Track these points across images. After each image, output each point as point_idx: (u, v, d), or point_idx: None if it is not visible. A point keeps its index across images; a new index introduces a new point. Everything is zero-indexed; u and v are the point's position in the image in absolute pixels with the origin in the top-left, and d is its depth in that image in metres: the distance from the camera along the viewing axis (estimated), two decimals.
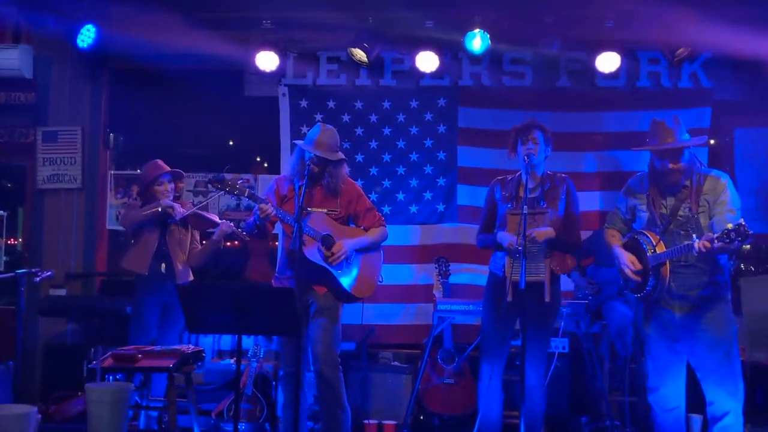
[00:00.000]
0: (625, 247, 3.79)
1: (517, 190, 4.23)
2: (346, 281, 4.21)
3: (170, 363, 3.74)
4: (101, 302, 5.67)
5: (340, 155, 4.26)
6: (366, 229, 4.36)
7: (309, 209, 4.18)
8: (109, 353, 3.90)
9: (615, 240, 3.87)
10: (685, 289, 3.63)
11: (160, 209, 4.75)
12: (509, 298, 4.01)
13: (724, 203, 3.57)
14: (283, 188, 4.30)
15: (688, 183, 3.67)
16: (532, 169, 4.19)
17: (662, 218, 3.69)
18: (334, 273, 4.17)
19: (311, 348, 4.17)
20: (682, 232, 3.57)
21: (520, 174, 4.27)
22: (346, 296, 4.26)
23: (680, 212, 3.64)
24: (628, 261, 3.70)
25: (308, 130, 5.98)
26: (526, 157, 4.13)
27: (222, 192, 4.13)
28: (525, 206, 3.95)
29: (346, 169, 4.32)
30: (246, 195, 4.06)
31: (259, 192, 6.25)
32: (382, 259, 4.46)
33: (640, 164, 5.85)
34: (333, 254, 4.13)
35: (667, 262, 3.59)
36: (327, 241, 4.18)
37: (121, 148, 6.56)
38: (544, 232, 4.05)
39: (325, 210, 4.24)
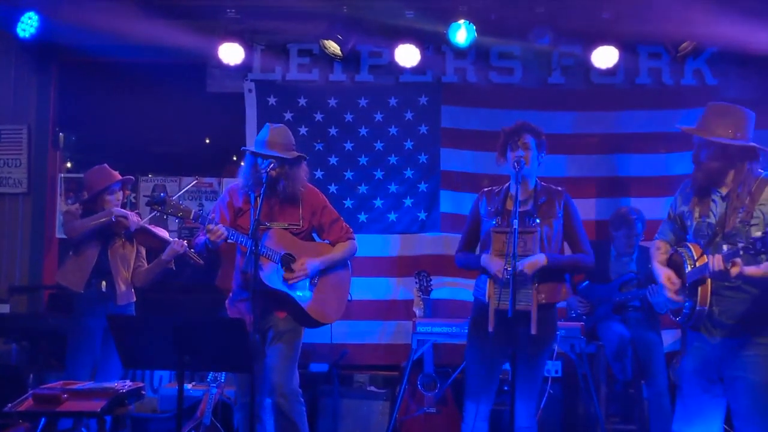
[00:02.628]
0: (670, 263, 3.25)
1: (504, 204, 3.74)
2: (309, 306, 3.77)
3: (99, 406, 3.25)
4: (48, 320, 5.21)
5: (296, 153, 3.81)
6: (332, 244, 3.91)
7: (267, 224, 3.69)
8: (30, 393, 3.39)
9: (658, 254, 3.33)
10: (727, 317, 3.07)
11: (113, 218, 4.26)
12: (490, 328, 3.56)
13: None
14: (237, 200, 3.84)
15: (737, 188, 3.10)
16: (523, 179, 3.70)
17: (709, 228, 3.15)
18: (295, 298, 3.72)
19: (269, 377, 3.74)
20: (730, 246, 2.97)
21: (508, 185, 3.80)
22: (309, 322, 3.83)
23: (729, 222, 3.08)
24: (664, 278, 3.16)
25: None
26: (515, 165, 3.63)
27: (163, 215, 3.63)
28: (516, 221, 3.47)
29: (305, 171, 3.87)
30: (191, 217, 3.58)
31: None
32: (351, 276, 4.02)
33: (640, 168, 5.60)
34: (293, 272, 3.69)
35: (708, 282, 3.03)
36: (286, 262, 3.73)
37: (73, 148, 6.18)
38: (533, 263, 3.56)
39: (286, 224, 3.80)
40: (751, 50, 5.13)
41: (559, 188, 3.80)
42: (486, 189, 3.89)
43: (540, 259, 3.57)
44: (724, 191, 3.13)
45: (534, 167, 3.73)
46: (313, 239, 3.94)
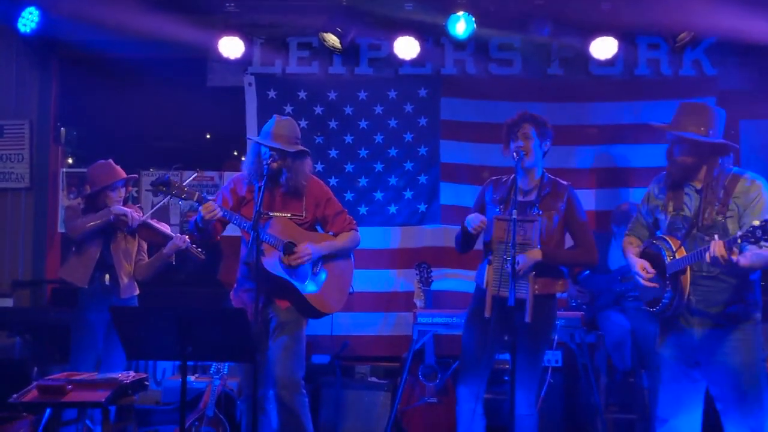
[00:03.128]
0: (644, 255, 3.33)
1: (510, 193, 3.76)
2: (311, 295, 3.78)
3: (103, 396, 3.27)
4: (51, 313, 5.21)
5: (300, 147, 3.81)
6: (335, 235, 3.92)
7: (270, 214, 3.72)
8: (34, 384, 3.41)
9: (631, 248, 3.44)
10: (706, 305, 3.16)
11: (111, 218, 4.28)
12: (487, 314, 3.59)
13: (757, 210, 3.08)
14: (242, 189, 3.85)
15: (710, 182, 3.19)
16: (526, 169, 3.73)
17: (684, 221, 3.23)
18: (297, 286, 3.73)
19: (271, 370, 3.74)
20: (707, 238, 3.08)
21: (515, 175, 3.79)
22: (311, 311, 3.83)
23: (705, 215, 3.17)
24: (639, 267, 3.26)
25: None
26: (515, 155, 3.66)
27: (168, 196, 3.65)
28: (514, 210, 3.48)
29: (309, 165, 3.87)
30: (196, 199, 3.61)
31: None
32: (353, 267, 4.02)
33: (639, 159, 5.58)
34: (295, 254, 3.68)
35: (688, 272, 3.12)
36: (289, 250, 3.73)
37: (74, 143, 6.14)
38: (526, 262, 3.58)
39: (289, 214, 3.80)
40: (749, 40, 5.09)
41: (565, 183, 3.81)
42: (494, 177, 3.92)
43: (535, 255, 3.59)
44: (698, 185, 3.21)
45: (537, 157, 3.75)
46: (317, 231, 3.95)
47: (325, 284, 3.84)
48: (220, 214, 3.59)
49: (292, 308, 3.77)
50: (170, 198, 3.76)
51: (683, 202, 3.24)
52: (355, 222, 4.01)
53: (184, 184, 3.67)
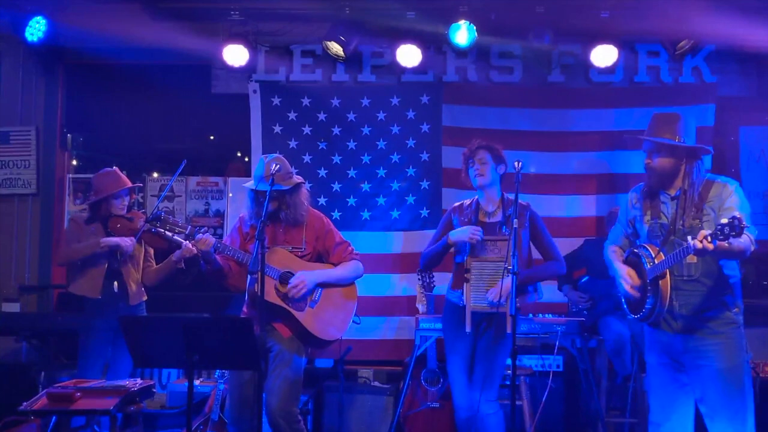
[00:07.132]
0: (627, 264, 3.43)
1: (477, 216, 4.01)
2: (308, 322, 3.76)
3: (111, 404, 3.32)
4: (58, 318, 5.23)
5: (295, 180, 3.83)
6: (335, 265, 3.92)
7: (269, 248, 3.72)
8: (44, 392, 3.46)
9: (615, 255, 3.55)
10: (687, 309, 3.24)
11: (98, 250, 4.33)
12: (468, 329, 3.90)
13: (730, 209, 3.17)
14: (246, 226, 3.89)
15: (687, 188, 3.30)
16: (486, 192, 4.02)
17: (662, 228, 3.33)
18: (294, 314, 3.73)
19: (267, 399, 3.68)
20: (685, 244, 3.13)
21: (477, 198, 4.08)
22: (310, 339, 3.81)
23: (684, 221, 3.27)
24: (625, 274, 3.35)
25: (281, 129, 5.68)
26: (478, 178, 3.97)
27: (162, 230, 3.69)
28: (514, 220, 3.62)
29: (305, 194, 3.88)
30: (188, 232, 3.63)
31: (229, 194, 5.89)
32: (357, 296, 3.97)
33: (639, 166, 5.39)
34: (289, 285, 3.70)
35: (668, 277, 3.20)
36: (285, 279, 3.75)
37: (80, 148, 6.19)
38: (506, 287, 3.78)
39: (289, 248, 3.82)
40: (749, 47, 5.17)
41: (524, 203, 4.01)
42: (456, 204, 4.15)
43: (506, 284, 3.77)
44: (672, 193, 3.31)
45: (495, 178, 4.00)
46: (320, 263, 3.93)
47: (323, 311, 3.81)
48: (212, 241, 3.61)
49: (293, 337, 3.75)
50: (163, 232, 3.78)
51: (660, 210, 3.34)
52: (356, 252, 3.98)
53: (178, 221, 3.69)
